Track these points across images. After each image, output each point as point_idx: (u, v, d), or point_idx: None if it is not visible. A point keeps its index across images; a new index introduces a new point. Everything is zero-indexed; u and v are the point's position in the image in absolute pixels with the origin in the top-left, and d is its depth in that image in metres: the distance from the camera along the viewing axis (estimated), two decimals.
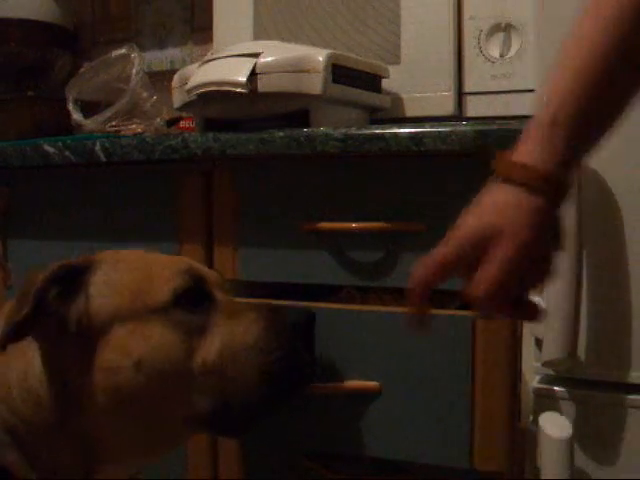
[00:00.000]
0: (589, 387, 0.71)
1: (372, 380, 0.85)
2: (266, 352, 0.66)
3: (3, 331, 0.62)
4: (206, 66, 1.00)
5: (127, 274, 0.67)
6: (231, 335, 0.66)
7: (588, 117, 0.51)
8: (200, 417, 0.66)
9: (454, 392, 0.81)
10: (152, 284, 0.66)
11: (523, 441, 0.77)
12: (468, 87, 1.10)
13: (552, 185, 0.52)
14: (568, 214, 0.65)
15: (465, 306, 0.79)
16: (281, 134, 0.92)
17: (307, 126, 0.94)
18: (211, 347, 0.66)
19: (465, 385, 0.81)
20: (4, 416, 0.66)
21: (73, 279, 0.67)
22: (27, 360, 0.67)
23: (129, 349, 0.64)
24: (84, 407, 0.65)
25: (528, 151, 0.53)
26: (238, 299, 0.77)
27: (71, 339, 0.65)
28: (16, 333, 0.62)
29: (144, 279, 0.67)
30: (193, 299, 0.67)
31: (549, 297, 0.67)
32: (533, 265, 0.53)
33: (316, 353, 0.76)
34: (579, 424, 0.70)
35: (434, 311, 0.81)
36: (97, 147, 1.02)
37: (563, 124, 0.51)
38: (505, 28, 1.07)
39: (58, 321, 0.66)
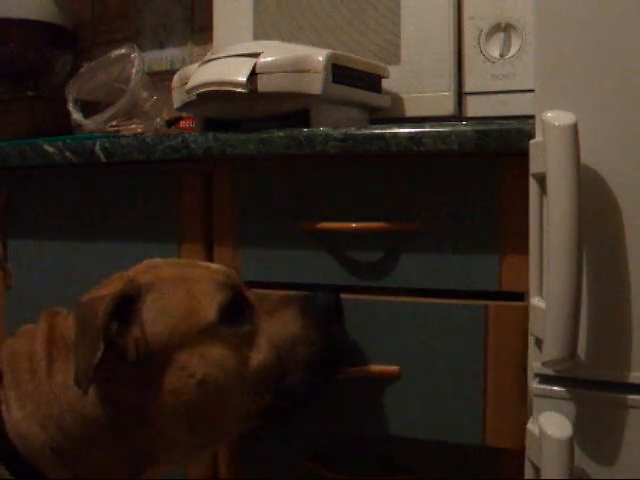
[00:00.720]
0: (589, 387, 0.71)
1: (392, 365, 0.88)
2: (309, 344, 0.70)
3: (81, 374, 0.62)
4: (206, 66, 1.00)
5: (174, 296, 0.69)
6: (276, 334, 0.70)
7: None
8: (256, 414, 0.70)
9: (468, 375, 0.85)
10: (199, 303, 0.68)
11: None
12: (468, 87, 1.10)
13: None
14: (568, 213, 0.65)
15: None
16: (281, 134, 0.92)
17: (307, 126, 0.94)
18: (260, 350, 0.69)
19: (478, 368, 0.84)
20: (52, 433, 0.67)
21: (126, 308, 0.68)
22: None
23: (190, 370, 0.66)
24: (143, 424, 0.67)
25: None
26: (260, 292, 0.79)
27: (130, 366, 0.66)
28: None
29: (190, 299, 0.68)
30: (236, 309, 0.70)
31: (549, 297, 0.67)
32: None
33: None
34: (579, 424, 0.70)
35: (450, 301, 0.86)
36: (97, 147, 1.02)
37: None
38: (505, 28, 1.07)
39: (117, 352, 0.66)
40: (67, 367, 0.68)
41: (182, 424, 0.67)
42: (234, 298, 0.70)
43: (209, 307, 0.68)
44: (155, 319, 0.67)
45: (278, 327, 0.71)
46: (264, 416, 0.71)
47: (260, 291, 0.84)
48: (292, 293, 0.78)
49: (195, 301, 0.68)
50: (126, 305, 0.67)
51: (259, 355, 0.69)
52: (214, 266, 0.76)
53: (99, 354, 0.62)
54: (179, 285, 0.70)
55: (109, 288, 0.68)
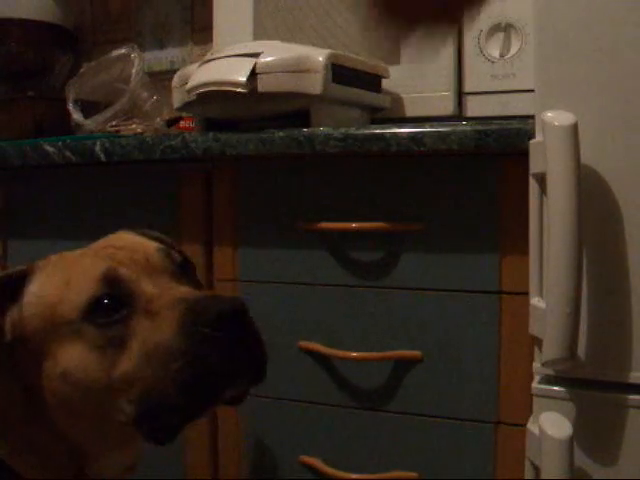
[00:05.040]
0: (589, 387, 0.71)
1: (414, 350, 0.91)
2: (177, 356, 0.59)
3: None
4: (206, 66, 1.00)
5: (51, 283, 0.65)
6: (147, 340, 0.61)
7: None
8: (129, 423, 0.63)
9: (484, 359, 0.88)
10: (68, 294, 0.63)
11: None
12: (468, 87, 1.10)
13: None
14: (568, 213, 0.65)
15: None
16: (281, 134, 0.92)
17: (307, 126, 0.94)
18: (129, 356, 0.61)
19: (493, 353, 0.87)
20: None
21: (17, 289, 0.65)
22: None
23: (56, 360, 0.63)
24: (45, 406, 0.65)
25: None
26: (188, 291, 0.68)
27: (9, 347, 0.64)
28: None
29: (63, 288, 0.64)
30: (110, 307, 0.62)
31: (549, 297, 0.67)
32: None
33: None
34: (579, 424, 0.70)
35: (467, 294, 0.88)
36: (97, 147, 1.02)
37: None
38: (505, 28, 1.07)
39: None
40: None
41: (66, 416, 0.65)
42: (110, 295, 0.62)
43: (75, 302, 0.62)
44: (31, 303, 0.64)
45: (151, 331, 0.61)
46: (138, 428, 0.63)
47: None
48: (197, 294, 0.66)
49: (66, 291, 0.63)
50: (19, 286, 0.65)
51: (127, 359, 0.61)
52: (109, 255, 0.68)
53: None
54: (62, 272, 0.65)
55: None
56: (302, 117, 0.96)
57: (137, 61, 1.30)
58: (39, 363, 0.64)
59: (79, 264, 0.66)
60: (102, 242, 0.74)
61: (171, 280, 0.67)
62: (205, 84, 0.97)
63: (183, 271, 0.70)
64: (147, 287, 0.64)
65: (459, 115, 1.10)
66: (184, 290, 0.65)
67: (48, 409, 0.65)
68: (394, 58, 1.12)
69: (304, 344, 0.96)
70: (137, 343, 0.61)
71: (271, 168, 0.97)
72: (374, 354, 0.91)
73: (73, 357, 0.62)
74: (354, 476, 0.93)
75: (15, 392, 0.65)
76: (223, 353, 0.60)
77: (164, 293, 0.64)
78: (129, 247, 0.70)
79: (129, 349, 0.61)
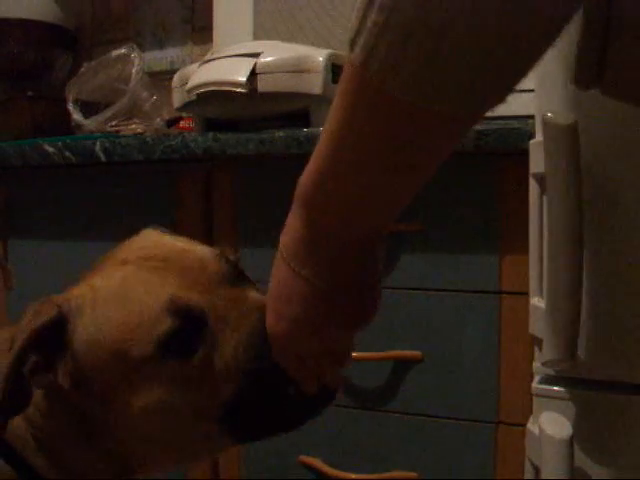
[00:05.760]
0: (589, 387, 0.71)
1: (414, 350, 0.91)
2: (260, 361, 0.58)
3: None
4: (206, 66, 1.00)
5: (107, 324, 0.59)
6: (228, 354, 0.59)
7: (330, 198, 0.49)
8: (215, 433, 0.61)
9: (484, 359, 0.88)
10: (136, 334, 0.58)
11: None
12: None
13: (290, 255, 0.54)
14: (568, 213, 0.65)
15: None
16: (281, 134, 0.92)
17: (307, 126, 0.94)
18: (214, 376, 0.59)
19: (493, 352, 0.88)
20: (35, 421, 0.62)
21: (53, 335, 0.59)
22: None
23: (133, 398, 0.58)
24: (99, 436, 0.61)
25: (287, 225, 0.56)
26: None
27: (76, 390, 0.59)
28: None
29: (126, 328, 0.58)
30: (185, 336, 0.58)
31: (549, 297, 0.67)
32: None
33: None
34: (579, 424, 0.70)
35: (467, 294, 0.88)
36: (97, 147, 1.02)
37: (307, 203, 0.51)
38: None
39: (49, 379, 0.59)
40: None
41: (139, 443, 0.61)
42: (183, 323, 0.58)
43: (146, 341, 0.57)
44: (86, 351, 0.58)
45: (234, 344, 0.59)
46: (228, 435, 0.62)
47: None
48: (261, 297, 0.63)
49: (133, 332, 0.58)
50: (55, 330, 0.59)
51: (211, 381, 0.59)
52: (163, 281, 0.61)
53: (1, 395, 0.54)
54: (116, 310, 0.59)
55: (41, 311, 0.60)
56: (302, 117, 0.96)
57: (137, 61, 1.30)
58: (107, 401, 0.59)
59: (134, 296, 0.60)
60: (135, 248, 0.68)
61: (232, 286, 0.63)
62: (205, 84, 0.97)
63: (239, 271, 0.66)
64: (216, 302, 0.61)
65: None
66: (250, 295, 0.62)
67: (111, 439, 0.61)
68: None
69: None
70: (219, 360, 0.59)
71: (271, 168, 0.97)
72: (374, 354, 0.91)
73: (154, 394, 0.58)
74: (354, 476, 0.93)
75: (72, 422, 0.61)
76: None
77: (233, 303, 0.61)
78: (175, 256, 0.64)
79: (212, 369, 0.59)
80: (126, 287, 0.61)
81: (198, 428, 0.60)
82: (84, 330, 0.59)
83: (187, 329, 0.58)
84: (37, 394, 0.60)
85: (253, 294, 0.62)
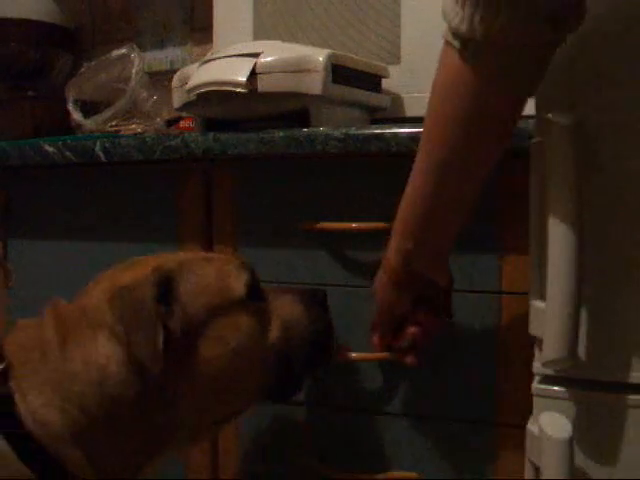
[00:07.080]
0: (589, 387, 0.71)
1: None
2: (310, 324, 0.80)
3: (147, 358, 0.69)
4: (206, 66, 1.00)
5: (206, 275, 0.77)
6: (283, 313, 0.79)
7: (423, 231, 0.76)
8: (267, 385, 0.78)
9: (484, 359, 0.88)
10: (228, 281, 0.77)
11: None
12: None
13: (398, 274, 0.77)
14: (568, 213, 0.65)
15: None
16: (281, 134, 0.92)
17: (307, 126, 0.94)
18: (274, 326, 0.78)
19: (493, 352, 0.87)
20: (72, 415, 0.69)
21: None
22: (104, 361, 0.70)
23: (226, 339, 0.74)
24: (170, 401, 0.72)
25: (390, 248, 0.78)
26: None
27: (168, 343, 0.71)
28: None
29: (221, 276, 0.77)
30: (255, 288, 0.78)
31: (549, 297, 0.67)
32: (401, 321, 0.82)
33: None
34: (579, 424, 0.70)
35: (467, 294, 0.88)
36: (97, 147, 1.02)
37: (404, 236, 0.77)
38: None
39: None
40: (86, 347, 0.70)
41: (209, 397, 0.74)
42: (253, 278, 0.79)
43: (237, 284, 0.77)
44: (194, 298, 0.74)
45: (285, 308, 0.80)
46: (269, 391, 0.79)
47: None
48: (284, 287, 0.90)
49: (224, 279, 0.77)
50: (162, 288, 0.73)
51: (273, 328, 0.78)
52: (227, 256, 0.87)
53: (161, 337, 0.68)
54: (207, 265, 0.78)
55: (126, 276, 0.75)
56: (302, 117, 0.96)
57: (137, 61, 1.30)
58: (198, 348, 0.73)
59: (213, 258, 0.82)
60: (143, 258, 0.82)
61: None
62: (205, 84, 0.97)
63: None
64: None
65: None
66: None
67: (178, 399, 0.72)
68: (394, 58, 1.12)
69: None
70: (276, 316, 0.79)
71: (271, 168, 0.97)
72: (374, 354, 0.91)
73: (244, 329, 0.75)
74: (354, 476, 0.93)
75: (143, 393, 0.71)
76: (331, 325, 0.84)
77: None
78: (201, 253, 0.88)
79: (272, 320, 0.79)
80: (201, 255, 0.84)
81: (254, 374, 0.77)
82: (188, 284, 0.75)
83: (255, 283, 0.79)
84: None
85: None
